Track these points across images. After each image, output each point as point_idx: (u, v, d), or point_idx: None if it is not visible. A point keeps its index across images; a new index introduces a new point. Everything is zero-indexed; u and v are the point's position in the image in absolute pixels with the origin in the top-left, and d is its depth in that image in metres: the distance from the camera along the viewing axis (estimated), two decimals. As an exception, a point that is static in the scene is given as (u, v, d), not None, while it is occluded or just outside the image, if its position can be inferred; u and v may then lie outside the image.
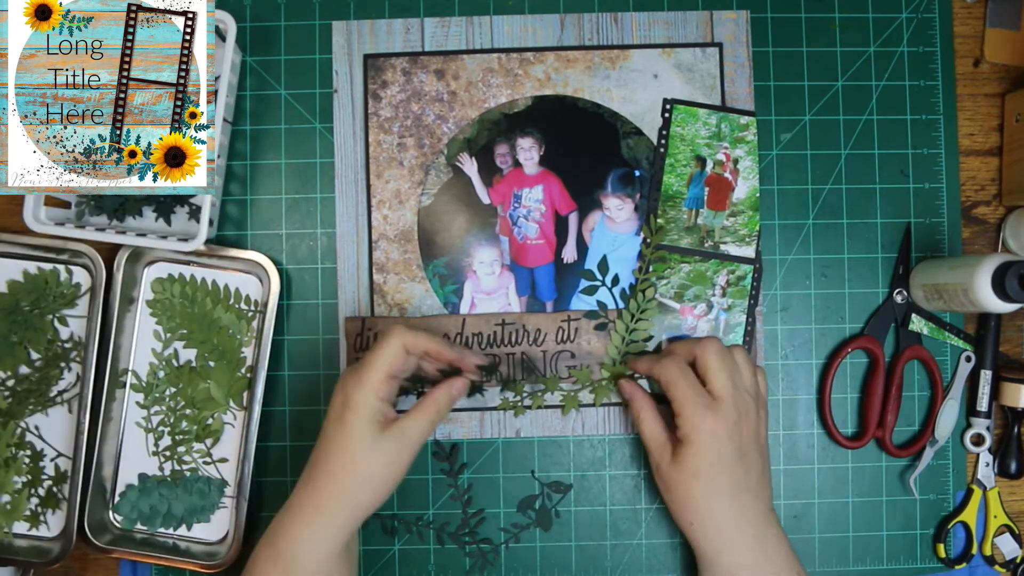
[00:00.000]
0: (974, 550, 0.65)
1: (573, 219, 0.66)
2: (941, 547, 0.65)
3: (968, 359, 0.65)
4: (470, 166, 0.66)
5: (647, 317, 0.65)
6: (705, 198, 0.66)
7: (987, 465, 0.65)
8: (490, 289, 0.66)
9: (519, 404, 0.64)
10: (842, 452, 0.66)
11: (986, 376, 0.65)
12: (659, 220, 0.65)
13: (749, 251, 0.65)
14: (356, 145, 0.66)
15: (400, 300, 0.65)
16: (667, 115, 0.66)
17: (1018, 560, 0.65)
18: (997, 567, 0.65)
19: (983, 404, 0.65)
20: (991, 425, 0.65)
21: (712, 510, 0.55)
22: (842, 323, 0.66)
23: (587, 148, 0.66)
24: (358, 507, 0.54)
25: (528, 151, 0.66)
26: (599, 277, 0.65)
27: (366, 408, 0.53)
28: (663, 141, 0.66)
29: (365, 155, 0.66)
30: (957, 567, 0.65)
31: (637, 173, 0.66)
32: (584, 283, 0.66)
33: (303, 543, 0.53)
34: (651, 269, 0.65)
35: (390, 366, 0.54)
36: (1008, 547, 0.66)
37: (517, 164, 0.66)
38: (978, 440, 0.65)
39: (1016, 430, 0.65)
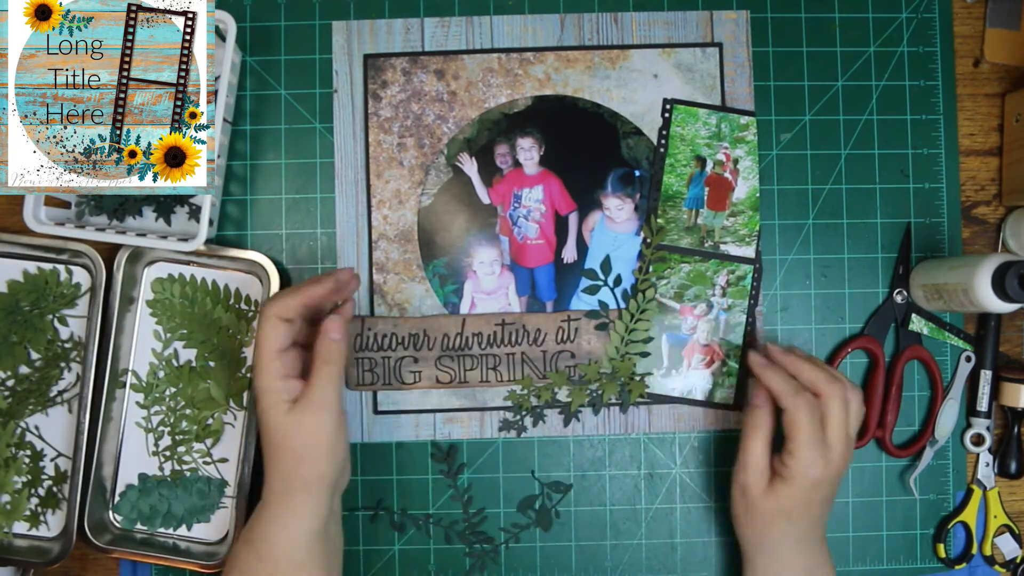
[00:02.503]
0: (974, 550, 0.65)
1: (573, 219, 0.66)
2: (941, 547, 0.65)
3: (968, 359, 0.65)
4: (470, 166, 0.66)
5: (647, 317, 0.65)
6: (705, 198, 0.66)
7: (987, 465, 0.65)
8: (490, 289, 0.66)
9: (525, 399, 0.64)
10: (842, 452, 0.66)
11: (986, 376, 0.65)
12: (659, 220, 0.65)
13: (749, 251, 0.65)
14: (356, 145, 0.66)
15: (400, 300, 0.65)
16: (667, 115, 0.66)
17: (1018, 560, 0.65)
18: (997, 567, 0.65)
19: (983, 404, 0.65)
20: (991, 425, 0.65)
21: (781, 547, 0.57)
22: (842, 323, 0.66)
23: (587, 148, 0.66)
24: (305, 483, 0.54)
25: (528, 151, 0.66)
26: (602, 277, 0.65)
27: (271, 392, 0.53)
28: (663, 141, 0.66)
29: (365, 155, 0.66)
30: (957, 567, 0.65)
31: (637, 173, 0.66)
32: (586, 283, 0.66)
33: (271, 525, 0.54)
34: (651, 269, 0.65)
35: (274, 342, 0.53)
36: (1008, 547, 0.66)
37: (517, 164, 0.66)
38: (978, 440, 0.65)
39: (1016, 430, 0.65)
